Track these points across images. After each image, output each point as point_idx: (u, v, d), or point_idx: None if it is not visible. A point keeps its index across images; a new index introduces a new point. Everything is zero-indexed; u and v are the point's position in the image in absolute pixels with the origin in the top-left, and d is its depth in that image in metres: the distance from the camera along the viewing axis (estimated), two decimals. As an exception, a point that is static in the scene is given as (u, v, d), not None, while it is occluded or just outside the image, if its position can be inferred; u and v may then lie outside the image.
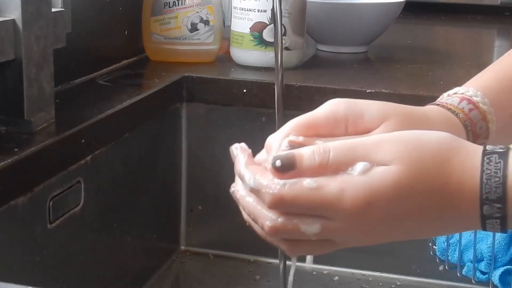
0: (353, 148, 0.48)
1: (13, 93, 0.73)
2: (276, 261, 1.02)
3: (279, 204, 0.48)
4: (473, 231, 0.90)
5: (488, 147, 0.48)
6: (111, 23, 1.05)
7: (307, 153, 0.48)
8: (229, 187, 0.54)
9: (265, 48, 1.06)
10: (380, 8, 1.24)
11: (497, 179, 0.47)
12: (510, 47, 0.77)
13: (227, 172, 0.57)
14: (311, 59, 1.21)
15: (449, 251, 0.94)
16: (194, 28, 1.09)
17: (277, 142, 0.52)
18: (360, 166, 0.47)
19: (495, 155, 0.47)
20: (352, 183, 0.47)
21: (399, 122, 0.53)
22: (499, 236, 0.89)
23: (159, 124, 1.00)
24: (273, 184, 0.48)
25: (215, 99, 1.03)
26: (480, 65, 0.72)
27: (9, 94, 0.74)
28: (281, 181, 0.48)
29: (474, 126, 0.58)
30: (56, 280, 0.77)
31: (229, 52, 1.11)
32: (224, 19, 1.15)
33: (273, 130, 0.55)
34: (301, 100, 0.97)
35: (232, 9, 1.09)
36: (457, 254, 0.93)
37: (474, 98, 0.60)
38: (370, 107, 0.54)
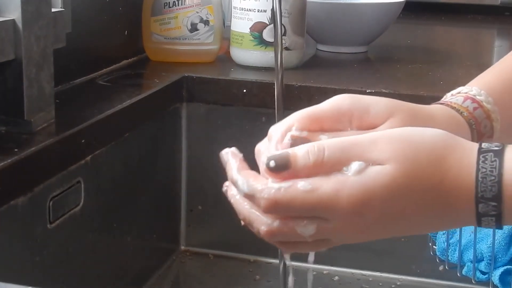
0: (348, 146, 0.48)
1: (13, 93, 0.73)
2: (276, 261, 1.02)
3: (274, 209, 0.48)
4: (473, 231, 0.90)
5: (484, 145, 0.49)
6: (111, 23, 1.05)
7: (301, 153, 0.48)
8: (229, 187, 0.53)
9: (265, 48, 1.06)
10: (380, 8, 1.24)
11: (493, 177, 0.47)
12: (510, 47, 0.77)
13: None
14: (311, 59, 1.21)
15: (449, 251, 0.93)
16: (194, 28, 1.09)
17: (278, 133, 0.52)
18: (355, 165, 0.47)
19: (491, 153, 0.48)
20: (347, 183, 0.47)
21: (404, 119, 0.54)
22: (499, 236, 0.88)
23: (159, 124, 0.99)
24: (267, 189, 0.48)
25: (215, 99, 1.03)
26: (480, 65, 0.72)
27: (9, 94, 0.74)
28: (276, 185, 0.48)
29: (479, 125, 0.59)
30: (56, 280, 0.77)
31: (229, 52, 1.11)
32: (224, 19, 1.15)
33: (273, 130, 0.54)
34: (301, 100, 0.97)
35: (232, 9, 1.09)
36: (457, 254, 0.93)
37: (478, 97, 0.60)
38: (376, 103, 0.54)
